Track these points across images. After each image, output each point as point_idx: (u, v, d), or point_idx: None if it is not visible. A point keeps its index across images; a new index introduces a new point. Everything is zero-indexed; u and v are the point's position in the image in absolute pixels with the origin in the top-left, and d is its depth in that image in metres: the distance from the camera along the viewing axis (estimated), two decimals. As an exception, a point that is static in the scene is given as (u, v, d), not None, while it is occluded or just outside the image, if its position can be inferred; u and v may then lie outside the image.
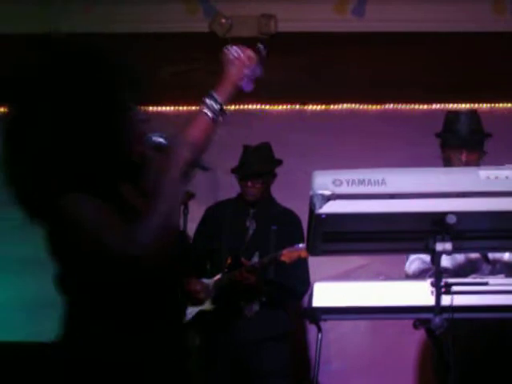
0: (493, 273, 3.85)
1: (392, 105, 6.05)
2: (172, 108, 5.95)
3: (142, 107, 2.35)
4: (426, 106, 6.02)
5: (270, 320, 4.86)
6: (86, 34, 5.60)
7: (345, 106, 6.06)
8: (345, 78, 5.93)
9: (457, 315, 2.66)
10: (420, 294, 2.87)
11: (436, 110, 5.83)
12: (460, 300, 2.78)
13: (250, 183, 5.01)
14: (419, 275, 3.92)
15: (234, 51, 2.43)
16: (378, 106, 6.05)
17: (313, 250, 2.74)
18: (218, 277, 4.89)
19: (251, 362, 4.83)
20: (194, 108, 5.91)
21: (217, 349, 4.82)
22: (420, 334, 3.91)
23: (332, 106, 6.06)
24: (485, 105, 5.94)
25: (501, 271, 3.85)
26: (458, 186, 2.44)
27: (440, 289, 2.55)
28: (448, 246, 2.51)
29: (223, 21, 5.93)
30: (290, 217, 5.03)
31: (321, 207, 2.40)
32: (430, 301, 2.70)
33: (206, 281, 4.90)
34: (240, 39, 5.81)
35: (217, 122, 2.34)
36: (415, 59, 5.91)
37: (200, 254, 4.99)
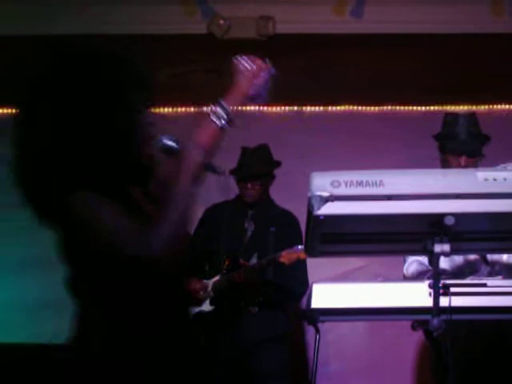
0: (491, 274, 3.86)
1: (390, 106, 6.05)
2: (170, 110, 5.95)
3: (151, 110, 2.36)
4: (424, 108, 6.03)
5: (269, 321, 4.87)
6: (84, 36, 5.62)
7: (343, 107, 6.06)
8: (343, 79, 5.94)
9: (455, 317, 2.66)
10: (418, 295, 2.87)
11: (434, 112, 5.83)
12: (458, 301, 2.78)
13: (249, 185, 5.01)
14: (417, 277, 3.92)
15: (244, 62, 2.43)
16: (377, 108, 6.06)
17: (311, 252, 2.74)
18: (216, 278, 4.90)
19: (250, 363, 4.83)
20: (192, 109, 5.93)
21: (216, 349, 4.82)
22: (418, 335, 3.92)
23: (330, 108, 6.07)
24: (483, 106, 5.95)
25: (499, 272, 3.86)
26: (456, 187, 2.43)
27: (438, 290, 2.55)
28: (446, 247, 2.50)
29: (221, 22, 5.93)
30: (289, 218, 5.03)
31: (319, 208, 2.40)
32: (428, 302, 2.70)
33: (204, 282, 4.91)
34: (238, 41, 5.86)
35: (224, 130, 2.34)
36: (413, 61, 5.92)
37: (198, 255, 4.99)
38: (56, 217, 2.20)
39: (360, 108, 6.06)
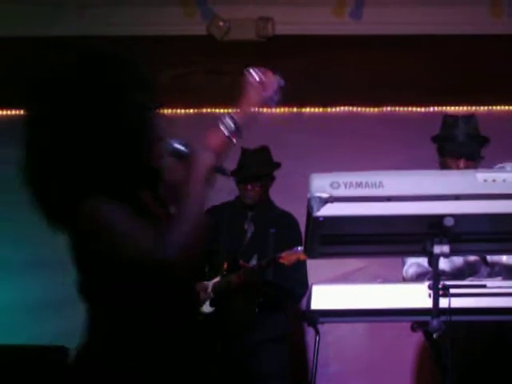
0: (491, 275, 3.86)
1: (390, 107, 6.05)
2: (170, 111, 5.95)
3: (160, 111, 2.37)
4: (423, 109, 6.03)
5: (269, 322, 4.87)
6: (84, 37, 5.62)
7: (343, 108, 6.06)
8: (343, 80, 5.93)
9: (455, 318, 2.66)
10: (418, 296, 2.88)
11: (434, 113, 5.84)
12: (458, 302, 2.78)
13: (249, 186, 5.01)
14: (417, 279, 3.92)
15: (254, 73, 2.44)
16: (376, 109, 6.06)
17: (311, 253, 2.74)
18: (216, 279, 4.90)
19: (250, 364, 4.83)
20: (191, 111, 5.93)
21: (216, 350, 4.82)
22: (418, 336, 3.92)
23: (330, 109, 6.07)
24: (483, 107, 5.95)
25: (499, 273, 3.85)
26: (455, 188, 2.44)
27: (438, 291, 2.55)
28: (446, 248, 2.50)
29: (221, 24, 5.93)
30: (288, 219, 5.03)
31: (318, 210, 2.40)
32: (427, 303, 2.70)
33: (204, 283, 4.91)
34: (238, 42, 5.86)
35: (231, 140, 2.35)
36: (413, 62, 5.92)
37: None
38: (66, 219, 2.19)
39: (359, 109, 6.06)
